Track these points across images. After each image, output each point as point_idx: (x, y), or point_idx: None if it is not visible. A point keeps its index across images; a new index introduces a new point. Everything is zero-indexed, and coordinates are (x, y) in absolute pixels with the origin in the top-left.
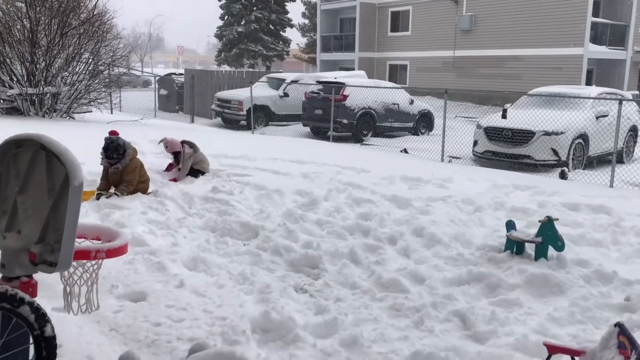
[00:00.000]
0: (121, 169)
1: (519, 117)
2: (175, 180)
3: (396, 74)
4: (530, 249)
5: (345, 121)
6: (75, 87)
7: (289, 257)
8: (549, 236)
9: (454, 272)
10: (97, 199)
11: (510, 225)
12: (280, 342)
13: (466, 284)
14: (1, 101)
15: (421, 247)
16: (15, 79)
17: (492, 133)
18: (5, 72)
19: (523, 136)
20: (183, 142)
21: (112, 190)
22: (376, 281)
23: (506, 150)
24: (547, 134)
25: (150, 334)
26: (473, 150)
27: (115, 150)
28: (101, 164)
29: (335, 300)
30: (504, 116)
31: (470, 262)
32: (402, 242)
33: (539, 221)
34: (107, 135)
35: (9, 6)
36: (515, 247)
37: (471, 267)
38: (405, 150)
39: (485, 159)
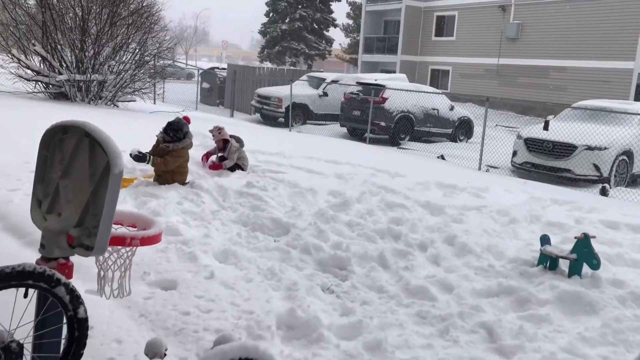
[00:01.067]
0: (169, 149)
1: (561, 129)
2: (219, 167)
3: (438, 79)
4: (564, 265)
5: (383, 124)
6: (121, 76)
7: (318, 256)
8: (584, 253)
9: (484, 283)
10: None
11: (544, 240)
12: (304, 340)
13: (495, 296)
14: (50, 86)
15: (452, 256)
16: (64, 65)
17: (533, 144)
18: (56, 58)
19: (564, 149)
20: (230, 137)
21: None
22: (404, 287)
23: (546, 162)
24: (589, 148)
25: (178, 322)
26: (512, 161)
27: (175, 131)
28: (156, 136)
29: (361, 302)
30: (545, 128)
31: (501, 275)
32: (433, 249)
33: (575, 237)
34: (181, 117)
35: None
36: (548, 262)
37: (501, 280)
38: (442, 157)
39: (524, 171)
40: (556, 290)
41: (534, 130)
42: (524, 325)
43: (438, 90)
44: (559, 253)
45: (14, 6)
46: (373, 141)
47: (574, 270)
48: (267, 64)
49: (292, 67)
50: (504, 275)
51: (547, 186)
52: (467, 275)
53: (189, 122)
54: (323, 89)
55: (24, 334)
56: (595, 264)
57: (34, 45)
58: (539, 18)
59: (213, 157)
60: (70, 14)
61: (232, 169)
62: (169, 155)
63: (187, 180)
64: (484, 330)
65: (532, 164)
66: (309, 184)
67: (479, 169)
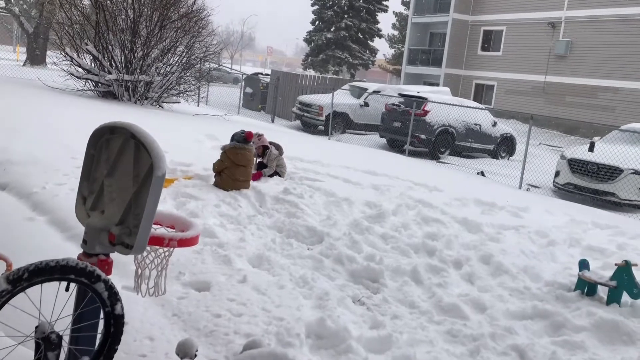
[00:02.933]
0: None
1: (607, 151)
2: (259, 176)
3: (482, 93)
4: (602, 292)
5: (423, 136)
6: (168, 78)
7: (350, 267)
8: (624, 281)
9: (518, 305)
10: None
11: (583, 264)
12: (332, 351)
13: (529, 319)
14: (99, 85)
15: (487, 275)
16: (114, 65)
17: (576, 165)
18: (107, 58)
19: (609, 172)
20: (270, 144)
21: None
22: (436, 303)
23: (589, 185)
24: (636, 172)
25: (209, 324)
26: (554, 181)
27: (231, 137)
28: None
29: (392, 316)
30: (591, 149)
31: (536, 297)
32: (468, 267)
33: (616, 264)
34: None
35: None
36: (586, 287)
37: (537, 303)
38: (482, 173)
39: (566, 192)
40: (593, 318)
41: (579, 151)
42: (558, 351)
43: (481, 106)
44: (597, 279)
45: (70, 6)
46: (412, 154)
47: (613, 298)
48: (311, 72)
49: (334, 76)
50: (539, 298)
51: (589, 209)
52: (502, 296)
53: (248, 138)
54: (364, 99)
55: (63, 326)
56: (635, 293)
57: (86, 44)
58: (589, 36)
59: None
60: (123, 16)
61: (270, 174)
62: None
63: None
64: (516, 353)
65: (574, 186)
66: (345, 193)
67: (520, 187)
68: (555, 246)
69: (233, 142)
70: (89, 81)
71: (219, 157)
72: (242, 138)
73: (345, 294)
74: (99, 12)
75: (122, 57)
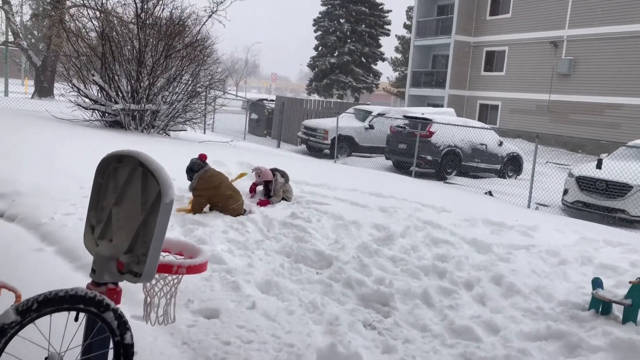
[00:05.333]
0: (190, 191)
1: (615, 168)
2: (266, 203)
3: (486, 113)
4: (617, 310)
5: (429, 157)
6: (174, 106)
7: (360, 291)
8: (639, 299)
9: (532, 326)
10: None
11: (596, 283)
12: None
13: (544, 340)
14: (106, 114)
15: (498, 296)
16: (120, 95)
17: (585, 183)
18: (113, 88)
19: (619, 189)
20: (275, 171)
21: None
22: (448, 326)
23: (599, 202)
24: None
25: (219, 352)
26: (562, 199)
27: (188, 172)
28: None
29: (404, 341)
30: (598, 166)
31: (550, 318)
32: (479, 288)
33: (630, 282)
34: (196, 157)
35: (123, 28)
36: (601, 306)
37: (550, 323)
38: (490, 193)
39: (575, 210)
40: (609, 337)
41: (587, 168)
42: None
43: (486, 125)
44: (612, 297)
45: (77, 39)
46: (419, 175)
47: (629, 317)
48: (315, 96)
49: (339, 100)
50: (553, 318)
51: (599, 226)
52: (514, 317)
53: (204, 159)
54: (369, 122)
55: (72, 356)
56: None
57: (93, 75)
58: (592, 54)
59: (260, 187)
60: (128, 46)
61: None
62: (193, 197)
63: (240, 213)
64: None
65: (584, 203)
66: (352, 216)
67: (528, 206)
68: (567, 265)
69: (196, 174)
70: (96, 111)
71: (193, 200)
72: (200, 163)
73: (356, 318)
74: (105, 44)
75: (129, 87)
